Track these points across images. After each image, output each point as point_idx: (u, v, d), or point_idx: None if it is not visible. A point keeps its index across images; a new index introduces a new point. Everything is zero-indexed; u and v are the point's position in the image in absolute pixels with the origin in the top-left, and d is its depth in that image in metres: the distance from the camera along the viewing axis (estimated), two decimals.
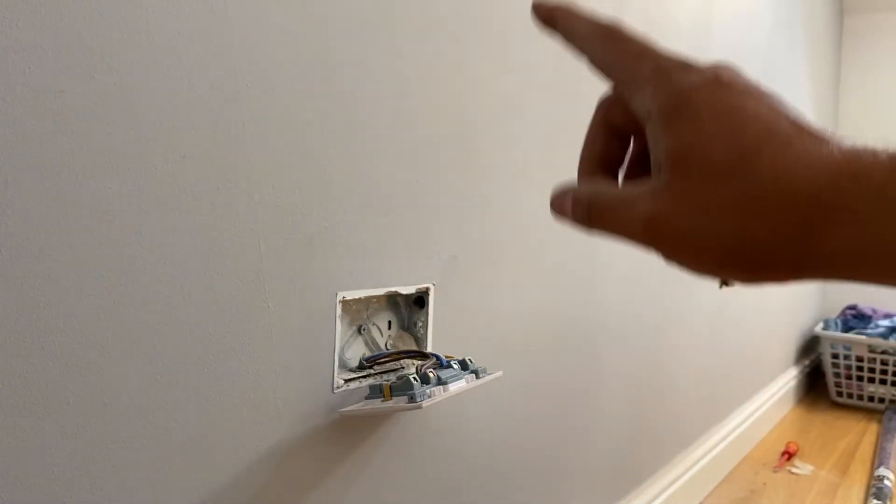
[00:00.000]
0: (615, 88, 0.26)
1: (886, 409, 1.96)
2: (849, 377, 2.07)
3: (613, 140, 0.27)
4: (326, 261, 0.57)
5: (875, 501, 1.36)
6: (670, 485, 1.25)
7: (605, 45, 0.26)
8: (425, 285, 0.67)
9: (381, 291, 0.62)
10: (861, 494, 1.44)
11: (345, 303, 0.59)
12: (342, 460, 0.60)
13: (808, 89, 2.06)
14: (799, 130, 0.21)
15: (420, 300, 0.68)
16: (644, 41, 0.25)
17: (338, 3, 0.56)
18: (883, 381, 2.01)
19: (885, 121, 2.38)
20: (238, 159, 0.50)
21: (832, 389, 2.12)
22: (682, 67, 0.23)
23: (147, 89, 0.44)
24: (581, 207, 0.25)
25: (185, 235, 0.47)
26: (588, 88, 0.95)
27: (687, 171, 0.21)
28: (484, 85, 0.73)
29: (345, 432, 0.60)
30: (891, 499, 1.38)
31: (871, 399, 2.04)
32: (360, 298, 0.61)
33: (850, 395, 2.08)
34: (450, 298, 0.70)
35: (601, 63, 0.26)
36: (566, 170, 0.96)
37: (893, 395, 1.99)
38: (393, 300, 0.67)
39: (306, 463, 0.56)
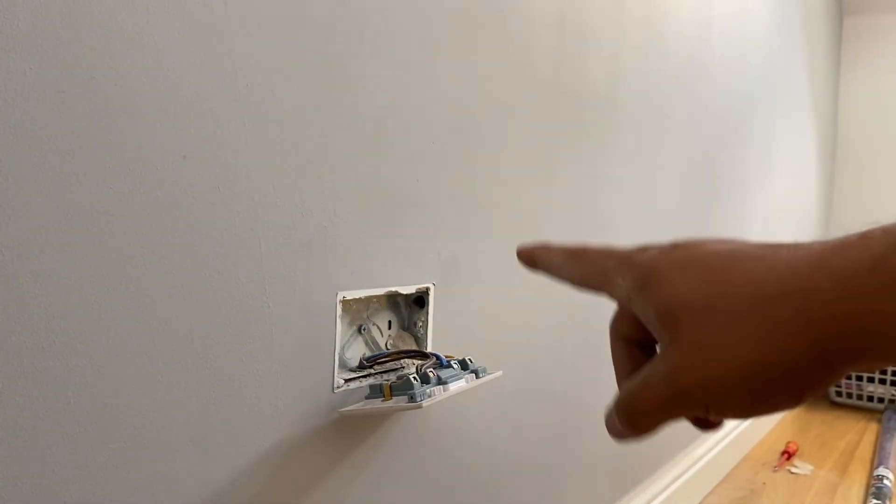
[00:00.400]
0: (600, 293, 0.27)
1: (886, 408, 1.96)
2: (848, 377, 2.07)
3: (634, 352, 0.28)
4: (326, 261, 0.57)
5: (874, 501, 1.36)
6: (670, 484, 1.25)
7: (575, 264, 0.28)
8: (425, 285, 0.67)
9: (381, 291, 0.62)
10: (861, 494, 1.44)
11: (345, 303, 0.59)
12: (342, 460, 0.60)
13: (808, 90, 2.06)
14: (765, 247, 0.22)
15: (420, 300, 0.68)
16: (605, 248, 0.27)
17: (338, 4, 0.56)
18: (882, 381, 2.01)
19: (886, 121, 2.39)
20: (238, 159, 0.50)
21: (832, 389, 2.12)
22: (640, 250, 0.25)
23: (147, 89, 0.44)
24: (621, 417, 0.25)
25: (185, 235, 0.47)
26: (588, 88, 0.96)
27: (676, 321, 0.22)
28: (484, 85, 0.73)
29: (345, 432, 0.60)
30: (890, 498, 1.38)
31: (870, 399, 2.04)
32: (360, 298, 0.61)
33: (849, 395, 2.08)
34: (450, 298, 0.70)
35: (577, 279, 0.28)
36: (566, 169, 0.97)
37: (893, 395, 2.00)
38: (393, 300, 0.67)
39: (306, 463, 0.56)
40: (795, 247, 0.21)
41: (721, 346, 0.21)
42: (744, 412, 0.22)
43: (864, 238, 0.20)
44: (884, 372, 2.00)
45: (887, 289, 0.19)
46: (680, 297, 0.22)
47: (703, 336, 0.21)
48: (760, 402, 0.21)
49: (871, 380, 2.03)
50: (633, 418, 0.25)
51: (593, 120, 0.94)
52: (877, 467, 1.52)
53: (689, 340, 0.22)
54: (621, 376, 0.28)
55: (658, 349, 0.25)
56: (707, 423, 0.27)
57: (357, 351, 0.63)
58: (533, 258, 0.31)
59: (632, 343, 0.28)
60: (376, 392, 0.58)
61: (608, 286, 0.26)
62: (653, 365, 0.24)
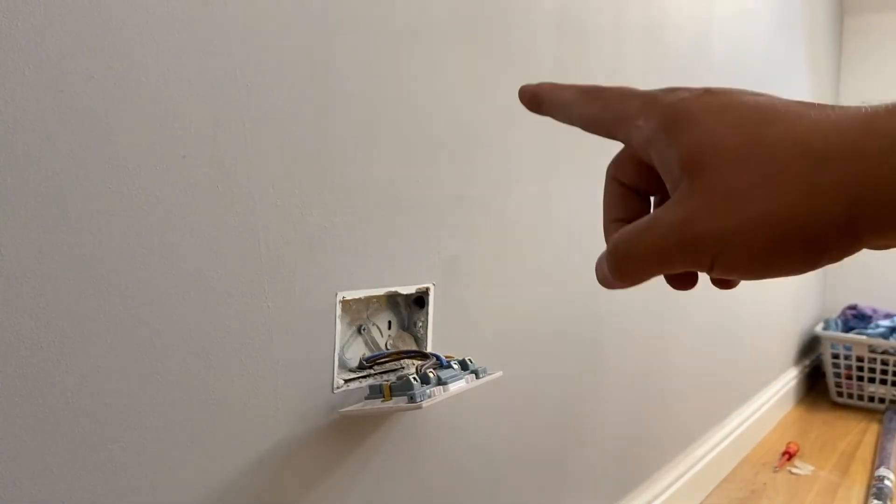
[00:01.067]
0: (612, 136, 0.26)
1: (887, 409, 1.96)
2: (849, 377, 2.07)
3: (629, 199, 0.26)
4: (326, 261, 0.57)
5: (875, 501, 1.35)
6: (671, 485, 1.25)
7: (590, 102, 0.26)
8: (425, 285, 0.67)
9: (381, 291, 0.62)
10: (861, 494, 1.44)
11: (345, 303, 0.59)
12: (342, 460, 0.60)
13: (808, 90, 2.06)
14: (808, 105, 0.21)
15: (420, 300, 0.68)
16: (626, 88, 0.25)
17: (338, 4, 0.56)
18: (883, 381, 2.01)
19: None
20: (238, 159, 0.50)
21: (832, 389, 2.12)
22: (668, 91, 0.23)
23: (147, 89, 0.44)
24: (612, 260, 0.23)
25: (185, 235, 0.47)
26: None
27: (702, 167, 0.20)
28: (484, 85, 0.73)
29: (345, 432, 0.60)
30: (891, 499, 1.38)
31: (871, 399, 2.04)
32: (360, 298, 0.61)
33: (850, 396, 2.08)
34: (450, 298, 0.70)
35: (591, 119, 0.26)
36: (566, 169, 0.96)
37: (894, 396, 1.99)
38: (393, 300, 0.67)
39: (306, 463, 0.56)
40: (841, 108, 0.20)
41: (749, 197, 0.19)
42: (754, 270, 0.21)
43: None
44: (885, 373, 2.00)
45: None
46: (711, 142, 0.20)
47: (731, 184, 0.20)
48: (775, 261, 0.20)
49: (871, 380, 2.03)
50: (626, 262, 0.23)
51: None
52: (877, 468, 1.52)
53: (713, 187, 0.20)
54: (609, 219, 0.26)
55: (657, 203, 0.23)
56: (688, 279, 0.25)
57: (357, 351, 0.63)
58: (538, 96, 0.28)
59: (629, 189, 0.26)
60: (376, 392, 0.58)
61: (626, 127, 0.24)
62: (662, 210, 0.22)
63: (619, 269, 0.23)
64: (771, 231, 0.19)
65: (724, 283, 0.25)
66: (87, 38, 0.41)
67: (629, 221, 0.24)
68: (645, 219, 0.22)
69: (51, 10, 0.39)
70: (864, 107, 0.20)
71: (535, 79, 0.85)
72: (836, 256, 0.20)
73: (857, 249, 0.20)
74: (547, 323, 0.88)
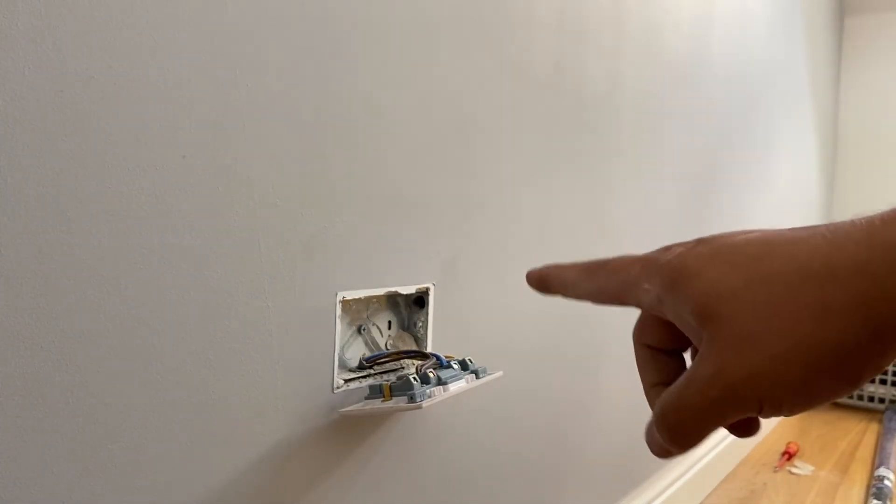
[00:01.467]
0: (623, 303, 0.26)
1: (886, 409, 1.96)
2: None
3: (661, 361, 0.26)
4: (326, 261, 0.57)
5: (875, 501, 1.35)
6: (670, 485, 1.25)
7: (593, 278, 0.26)
8: (425, 285, 0.67)
9: (381, 291, 0.62)
10: (861, 494, 1.44)
11: (345, 303, 0.59)
12: (342, 460, 0.60)
13: (808, 89, 2.06)
14: (799, 230, 0.21)
15: (420, 300, 0.68)
16: (623, 257, 0.26)
17: (338, 4, 0.56)
18: (883, 382, 2.01)
19: (887, 120, 2.38)
20: (238, 159, 0.50)
21: None
22: (663, 250, 0.24)
23: (147, 89, 0.44)
24: (663, 430, 0.23)
25: (185, 235, 0.47)
26: (586, 89, 0.95)
27: (715, 317, 0.20)
28: (484, 85, 0.73)
29: (345, 432, 0.60)
30: (891, 499, 1.38)
31: (871, 399, 2.04)
32: (360, 298, 0.61)
33: (850, 395, 2.08)
34: (450, 298, 0.70)
35: (598, 293, 0.26)
36: (566, 169, 0.96)
37: (893, 396, 1.99)
38: (393, 300, 0.67)
39: (306, 463, 0.56)
40: (834, 226, 0.20)
41: (769, 333, 0.19)
42: (800, 403, 0.20)
43: None
44: (884, 372, 2.00)
45: None
46: (716, 288, 0.21)
47: (747, 325, 0.20)
48: (817, 390, 0.20)
49: (871, 380, 2.03)
50: (678, 429, 0.22)
51: (593, 120, 0.94)
52: (877, 468, 1.52)
53: (732, 333, 0.20)
54: (648, 385, 0.26)
55: (692, 355, 0.23)
56: (748, 426, 0.25)
57: (357, 351, 0.63)
58: (545, 280, 0.29)
59: (658, 351, 0.26)
60: (376, 392, 0.58)
61: (633, 293, 0.24)
62: (693, 368, 0.21)
63: (675, 436, 0.23)
64: (803, 359, 0.19)
65: (744, 431, 0.25)
66: (87, 38, 0.41)
67: (667, 383, 0.24)
68: (682, 379, 0.22)
69: (51, 10, 0.39)
70: (857, 220, 0.20)
71: (534, 78, 0.85)
72: (875, 369, 0.20)
73: (894, 357, 0.20)
74: (547, 322, 0.88)
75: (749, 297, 0.20)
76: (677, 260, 0.22)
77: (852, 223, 0.20)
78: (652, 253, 0.24)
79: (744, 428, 0.25)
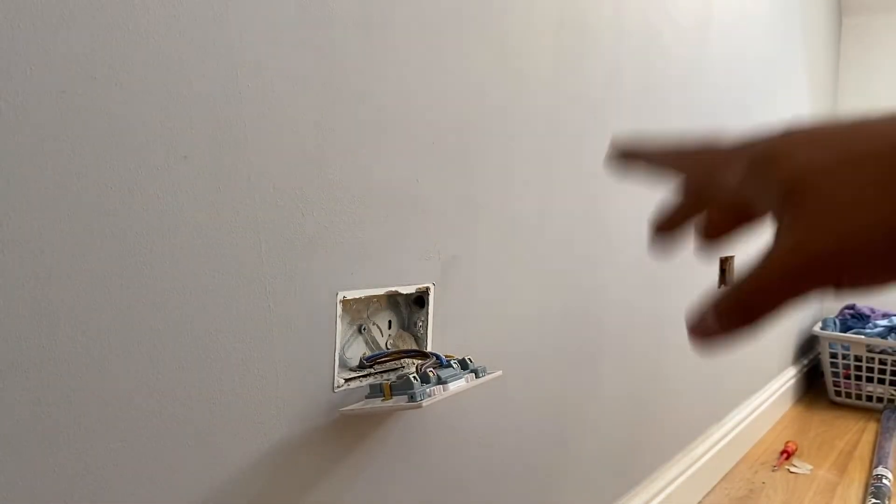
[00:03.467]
0: (704, 187, 0.26)
1: (885, 408, 1.96)
2: (847, 377, 2.08)
3: (736, 219, 0.27)
4: (326, 261, 0.57)
5: (873, 500, 1.36)
6: (670, 483, 1.26)
7: (679, 160, 0.27)
8: (425, 285, 0.67)
9: (381, 291, 0.62)
10: (860, 493, 1.45)
11: (345, 302, 0.59)
12: (342, 460, 0.60)
13: (807, 89, 2.07)
14: (890, 116, 0.21)
15: (420, 300, 0.68)
16: (708, 143, 0.26)
17: (338, 4, 0.56)
18: (881, 381, 2.01)
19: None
20: (238, 159, 0.50)
21: (831, 389, 2.12)
22: (750, 140, 0.24)
23: (147, 89, 0.44)
24: (735, 300, 0.22)
25: (186, 235, 0.47)
26: (586, 89, 0.95)
27: (804, 192, 0.21)
28: (484, 85, 0.73)
29: (345, 431, 0.60)
30: (889, 498, 1.38)
31: (869, 398, 2.05)
32: (360, 298, 0.61)
33: (848, 395, 2.09)
34: (450, 298, 0.70)
35: (683, 168, 0.27)
36: (566, 169, 0.96)
37: (892, 395, 2.00)
38: (393, 300, 0.67)
39: (306, 462, 0.56)
40: None
41: (856, 206, 0.20)
42: (880, 275, 0.21)
43: None
44: (883, 372, 2.00)
45: None
46: (809, 165, 0.21)
47: (835, 199, 0.20)
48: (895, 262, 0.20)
49: (869, 380, 2.04)
50: (756, 295, 0.22)
51: (593, 120, 0.94)
52: (876, 467, 1.52)
53: (822, 204, 0.20)
54: (711, 230, 0.27)
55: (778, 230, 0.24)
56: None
57: (357, 351, 0.63)
58: (631, 150, 0.29)
59: (738, 215, 0.26)
60: (376, 392, 0.58)
61: (720, 174, 0.24)
62: (775, 241, 0.22)
63: (746, 308, 0.22)
64: (886, 235, 0.20)
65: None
66: (88, 39, 0.41)
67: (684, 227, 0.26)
68: (760, 255, 0.22)
69: (52, 11, 0.39)
70: None
71: (534, 78, 0.85)
72: None
73: None
74: (546, 322, 0.88)
75: (841, 172, 0.20)
76: (768, 142, 0.23)
77: None
78: (737, 141, 0.24)
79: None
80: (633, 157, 0.29)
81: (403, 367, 0.65)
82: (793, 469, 1.58)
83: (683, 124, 1.23)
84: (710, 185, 0.25)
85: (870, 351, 2.01)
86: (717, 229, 0.27)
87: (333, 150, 0.57)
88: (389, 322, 0.67)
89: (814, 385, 2.29)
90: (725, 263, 1.53)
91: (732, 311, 0.22)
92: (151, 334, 0.45)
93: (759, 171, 0.23)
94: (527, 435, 0.86)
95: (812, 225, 0.21)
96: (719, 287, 1.48)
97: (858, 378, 2.05)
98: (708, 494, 1.43)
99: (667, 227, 0.28)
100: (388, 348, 0.65)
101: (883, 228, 0.20)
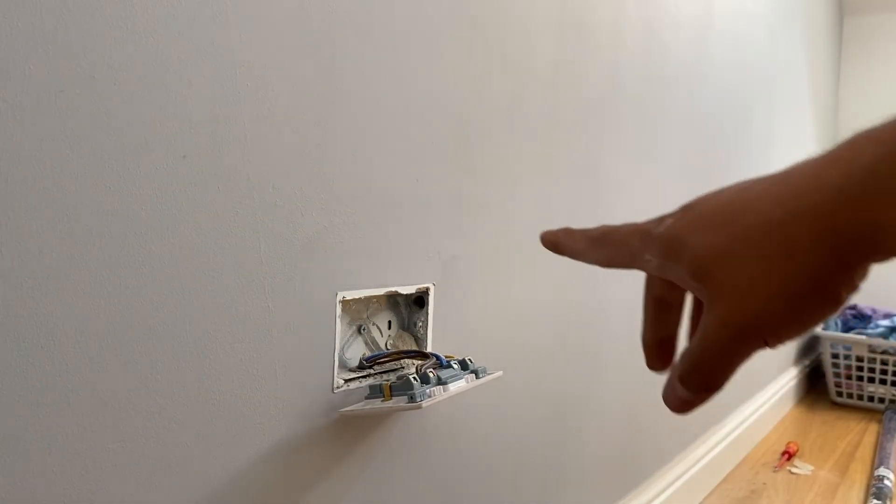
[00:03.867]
0: (631, 268, 0.29)
1: (886, 408, 1.96)
2: (849, 377, 2.07)
3: (664, 312, 0.30)
4: (326, 261, 0.57)
5: (875, 501, 1.36)
6: (670, 484, 1.25)
7: (600, 249, 0.30)
8: (425, 285, 0.67)
9: (381, 291, 0.62)
10: (861, 494, 1.44)
11: (345, 303, 0.59)
12: (342, 460, 0.60)
13: (808, 90, 2.06)
14: (768, 181, 0.24)
15: (420, 300, 0.68)
16: (625, 227, 0.29)
17: (338, 4, 0.56)
18: (883, 381, 2.01)
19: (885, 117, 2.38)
20: (238, 159, 0.50)
21: (832, 389, 2.12)
22: (656, 222, 0.27)
23: (147, 89, 0.44)
24: (692, 379, 0.26)
25: (185, 235, 0.47)
26: (586, 89, 0.95)
27: (709, 276, 0.24)
28: (484, 85, 0.73)
29: (345, 432, 0.60)
30: (891, 499, 1.38)
31: (871, 399, 2.04)
32: (360, 298, 0.61)
33: (850, 395, 2.08)
34: (450, 298, 0.70)
35: (607, 261, 0.30)
36: (566, 169, 0.96)
37: (893, 395, 1.99)
38: (393, 300, 0.67)
39: (306, 463, 0.56)
40: (788, 173, 0.23)
41: (753, 280, 0.23)
42: (795, 331, 0.23)
43: (852, 149, 0.22)
44: (884, 372, 2.00)
45: (884, 197, 0.20)
46: (705, 253, 0.24)
47: (736, 278, 0.23)
48: (805, 316, 0.23)
49: (871, 380, 2.03)
50: (706, 376, 0.25)
51: (593, 120, 0.94)
52: (877, 467, 1.52)
53: (726, 286, 0.24)
54: (653, 338, 0.31)
55: (693, 308, 0.28)
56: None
57: (357, 351, 0.63)
58: (557, 244, 0.32)
59: (664, 303, 0.30)
60: (376, 392, 0.58)
61: (638, 263, 0.28)
62: (703, 324, 0.25)
63: (703, 383, 0.26)
64: (785, 294, 0.23)
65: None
66: (87, 38, 0.41)
67: (669, 336, 0.29)
68: (697, 335, 0.26)
69: (51, 10, 0.39)
70: (810, 163, 0.23)
71: (534, 79, 0.85)
72: (849, 287, 0.23)
73: (864, 273, 0.23)
74: (546, 323, 0.88)
75: (732, 253, 0.23)
76: (668, 231, 0.26)
77: (803, 167, 0.23)
78: (647, 224, 0.28)
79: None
80: (558, 249, 0.32)
81: (403, 367, 0.65)
82: (794, 470, 1.57)
83: (683, 124, 1.23)
84: (635, 268, 0.28)
85: (871, 351, 2.01)
86: (663, 324, 0.30)
87: (333, 150, 0.57)
88: (389, 322, 0.67)
89: (815, 386, 2.29)
90: None
91: (694, 385, 0.26)
92: (150, 334, 0.45)
93: (667, 259, 0.26)
94: (527, 435, 0.86)
95: (727, 306, 0.24)
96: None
97: (860, 378, 2.05)
98: (709, 495, 1.43)
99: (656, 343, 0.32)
100: (387, 349, 0.65)
101: (775, 301, 0.23)
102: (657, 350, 0.31)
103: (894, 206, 0.20)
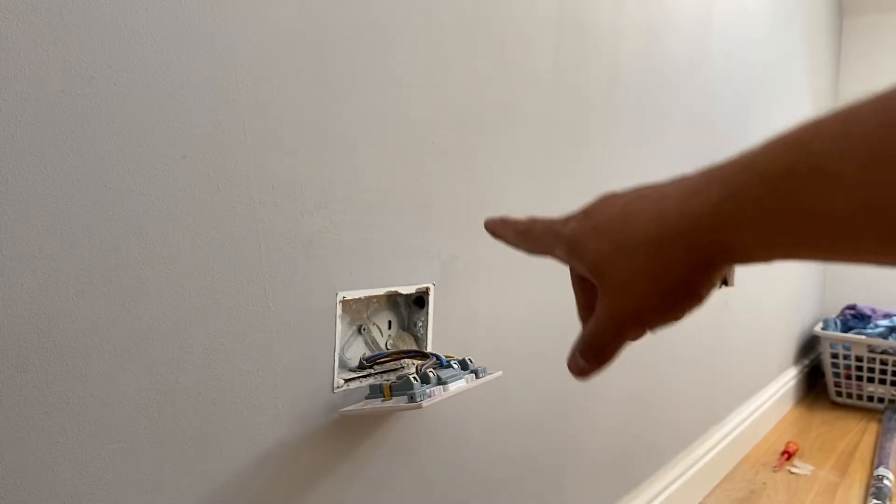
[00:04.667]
0: (548, 257, 0.35)
1: (886, 408, 1.96)
2: (848, 377, 2.08)
3: (586, 288, 0.35)
4: (326, 261, 0.57)
5: (875, 501, 1.36)
6: (670, 484, 1.25)
7: (524, 242, 0.37)
8: (425, 285, 0.67)
9: (381, 291, 0.62)
10: (861, 494, 1.44)
11: (345, 303, 0.59)
12: (342, 460, 0.60)
13: (808, 89, 2.07)
14: (651, 198, 0.29)
15: (420, 300, 0.68)
16: (544, 223, 0.35)
17: (338, 4, 0.56)
18: (882, 381, 2.01)
19: None
20: (238, 159, 0.50)
21: (832, 389, 2.12)
22: (563, 222, 0.33)
23: (147, 89, 0.44)
24: (588, 354, 0.33)
25: (185, 235, 0.47)
26: (586, 89, 0.95)
27: (601, 273, 0.30)
28: (483, 85, 0.73)
29: (345, 432, 0.60)
30: (890, 498, 1.38)
31: (870, 399, 2.04)
32: (360, 298, 0.61)
33: (849, 395, 2.08)
34: (450, 298, 0.70)
35: (529, 251, 0.37)
36: (566, 169, 0.96)
37: (893, 395, 2.00)
38: (393, 300, 0.67)
39: (306, 463, 0.56)
40: (665, 194, 0.29)
41: (633, 282, 0.29)
42: (666, 319, 0.30)
43: (709, 183, 0.27)
44: (884, 372, 2.00)
45: (730, 225, 0.26)
46: (597, 257, 0.31)
47: (620, 278, 0.30)
48: (673, 309, 0.29)
49: (871, 380, 2.03)
50: (597, 352, 0.33)
51: (593, 120, 0.94)
52: (877, 467, 1.52)
53: (613, 285, 0.30)
54: (581, 307, 0.36)
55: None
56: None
57: (357, 351, 0.63)
58: (494, 232, 0.39)
59: (584, 281, 0.35)
60: (376, 392, 0.58)
61: (552, 255, 0.34)
62: (597, 310, 0.32)
63: (596, 356, 0.33)
64: (657, 294, 0.29)
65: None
66: (87, 39, 0.41)
67: (590, 306, 0.34)
68: (593, 318, 0.32)
69: (51, 10, 0.39)
70: (679, 188, 0.28)
71: (534, 78, 0.85)
72: (709, 285, 0.29)
73: (721, 275, 0.28)
74: (546, 322, 0.88)
75: (617, 260, 0.30)
76: (571, 234, 0.32)
77: (675, 192, 0.28)
78: (556, 224, 0.34)
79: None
80: (496, 234, 0.39)
81: (403, 367, 0.65)
82: (794, 470, 1.57)
83: (683, 123, 1.23)
84: (551, 257, 0.35)
85: (871, 351, 2.01)
86: (587, 301, 0.35)
87: (333, 150, 0.57)
88: (389, 322, 0.67)
89: (815, 385, 2.29)
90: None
91: (588, 357, 0.33)
92: (150, 334, 0.45)
93: (571, 257, 0.33)
94: (527, 435, 0.86)
95: (613, 301, 0.30)
96: (719, 287, 1.48)
97: (859, 378, 2.05)
98: (709, 495, 1.43)
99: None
100: (387, 349, 0.65)
101: (650, 298, 0.29)
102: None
103: (735, 232, 0.26)
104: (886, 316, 2.17)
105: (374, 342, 0.65)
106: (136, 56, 0.43)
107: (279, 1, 0.51)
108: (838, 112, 0.23)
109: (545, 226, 0.35)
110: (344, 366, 0.61)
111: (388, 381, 0.59)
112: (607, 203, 0.32)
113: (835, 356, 2.09)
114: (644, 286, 0.29)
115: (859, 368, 2.04)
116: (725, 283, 1.53)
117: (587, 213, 0.32)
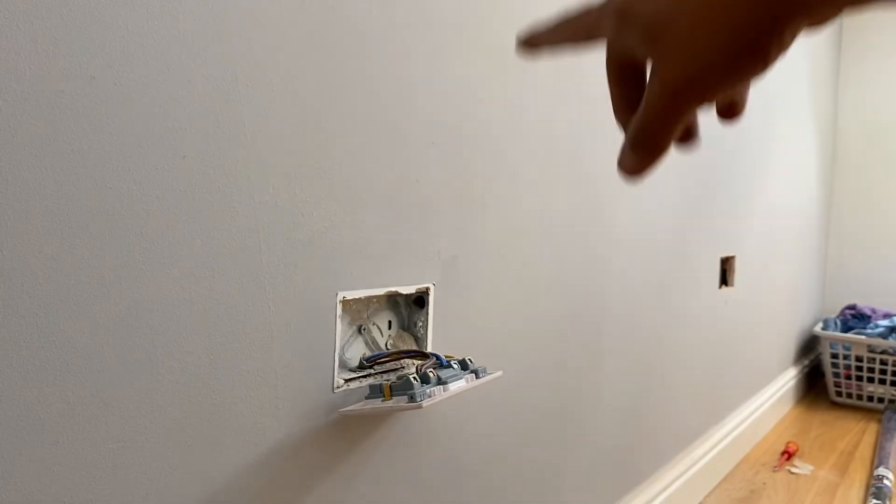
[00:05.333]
0: (593, 42, 0.32)
1: (886, 408, 1.96)
2: (848, 377, 2.08)
3: (628, 87, 0.32)
4: (326, 261, 0.57)
5: (874, 501, 1.36)
6: (670, 484, 1.25)
7: (563, 29, 0.33)
8: (425, 285, 0.67)
9: (381, 291, 0.62)
10: (861, 494, 1.44)
11: (345, 303, 0.59)
12: (342, 460, 0.60)
13: (807, 88, 2.07)
14: None
15: (420, 300, 0.68)
16: (582, 5, 0.31)
17: (338, 4, 0.56)
18: (882, 381, 2.01)
19: (885, 120, 2.38)
20: (238, 159, 0.50)
21: (832, 389, 2.12)
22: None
23: (147, 89, 0.44)
24: (638, 142, 0.28)
25: (185, 235, 0.47)
26: (587, 89, 0.95)
27: (660, 32, 0.26)
28: (484, 85, 0.73)
29: (345, 432, 0.60)
30: (890, 498, 1.38)
31: (870, 399, 2.04)
32: (360, 298, 0.61)
33: (849, 395, 2.08)
34: (450, 298, 0.70)
35: (572, 37, 0.33)
36: (566, 169, 0.96)
37: (893, 395, 2.00)
38: (393, 300, 0.67)
39: (306, 463, 0.56)
40: None
41: (694, 37, 0.25)
42: (728, 84, 0.26)
43: None
44: (883, 372, 2.00)
45: None
46: (652, 18, 0.27)
47: (680, 36, 0.26)
48: (738, 72, 0.25)
49: (871, 380, 2.04)
50: (651, 137, 0.28)
51: (592, 120, 0.94)
52: (877, 467, 1.52)
53: (669, 46, 0.26)
54: (620, 109, 0.32)
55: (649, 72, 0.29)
56: (689, 133, 0.32)
57: (357, 351, 0.63)
58: (529, 42, 0.35)
59: (625, 68, 0.31)
60: (376, 392, 0.58)
61: (599, 32, 0.30)
62: (648, 87, 0.27)
63: (647, 145, 0.28)
64: (722, 53, 0.25)
65: (729, 112, 0.32)
66: (87, 39, 0.41)
67: (631, 105, 0.30)
68: (643, 101, 0.28)
69: (51, 10, 0.39)
70: None
71: (534, 78, 0.85)
72: (780, 46, 0.25)
73: (790, 36, 0.25)
74: (547, 322, 0.88)
75: (676, 16, 0.26)
76: (620, 2, 0.28)
77: None
78: (601, 1, 0.30)
79: (686, 136, 0.32)
80: (533, 42, 0.34)
81: (403, 367, 0.65)
82: (794, 470, 1.58)
83: None
84: (596, 37, 0.31)
85: (871, 351, 2.01)
86: (628, 100, 0.32)
87: (333, 150, 0.57)
88: (389, 322, 0.67)
89: (814, 385, 2.29)
90: (726, 263, 1.53)
91: (641, 146, 0.28)
92: (150, 334, 0.45)
93: (624, 23, 0.28)
94: (527, 435, 0.86)
95: (668, 69, 0.26)
96: (720, 287, 1.48)
97: (859, 378, 2.05)
98: (709, 495, 1.43)
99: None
100: (388, 349, 0.65)
101: (712, 53, 0.25)
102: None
103: None
104: (886, 316, 2.17)
105: (374, 342, 0.65)
106: (136, 56, 0.43)
107: (279, 1, 0.51)
108: None
109: (584, 6, 0.31)
110: (344, 366, 0.61)
111: (388, 381, 0.59)
112: None
113: (835, 356, 2.09)
114: (705, 42, 0.25)
115: (859, 368, 2.04)
116: (725, 283, 1.53)
117: None
